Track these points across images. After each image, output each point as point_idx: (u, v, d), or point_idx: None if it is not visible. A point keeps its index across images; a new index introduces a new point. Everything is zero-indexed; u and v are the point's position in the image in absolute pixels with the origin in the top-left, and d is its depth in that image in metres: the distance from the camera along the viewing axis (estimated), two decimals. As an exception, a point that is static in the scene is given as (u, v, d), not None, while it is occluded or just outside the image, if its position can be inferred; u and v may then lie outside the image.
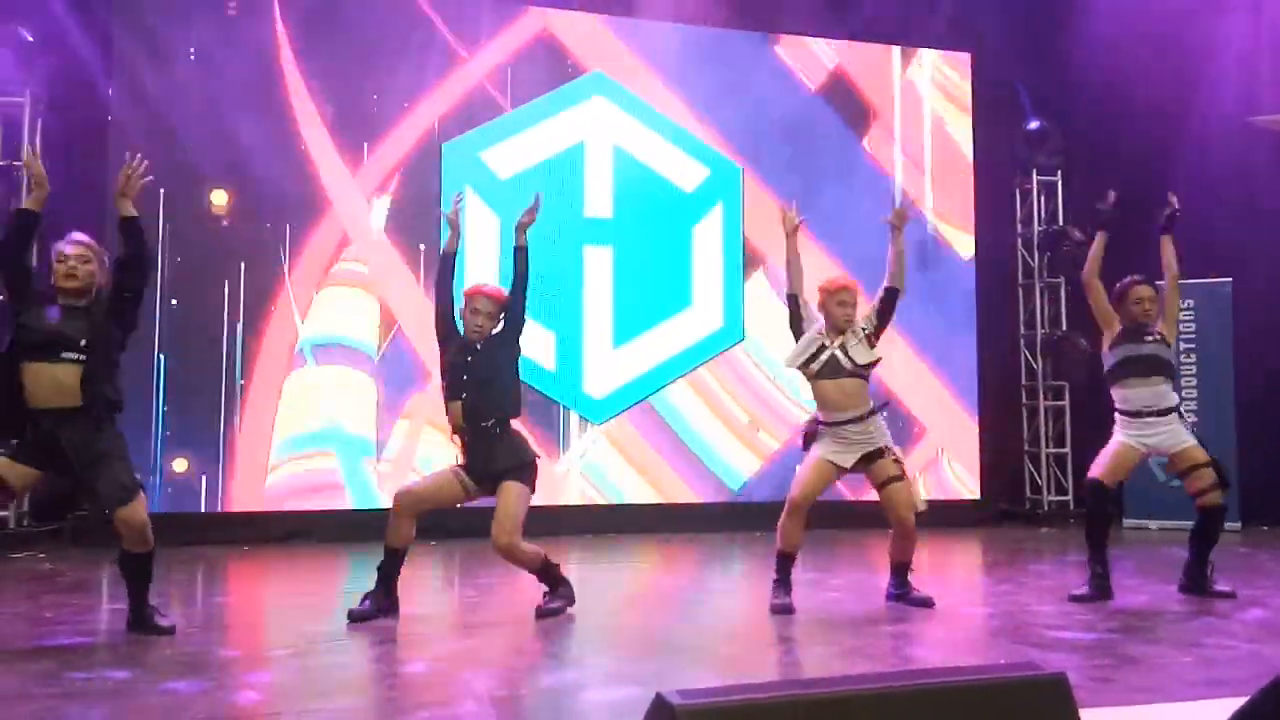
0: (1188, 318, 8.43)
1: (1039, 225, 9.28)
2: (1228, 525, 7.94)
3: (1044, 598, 4.85)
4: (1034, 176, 9.24)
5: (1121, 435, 5.06)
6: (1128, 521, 8.41)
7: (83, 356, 3.74)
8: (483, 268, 7.89)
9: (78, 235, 4.00)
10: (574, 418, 8.02)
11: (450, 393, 4.34)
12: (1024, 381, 9.30)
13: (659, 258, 8.31)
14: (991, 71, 9.05)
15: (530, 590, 4.73)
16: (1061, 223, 9.11)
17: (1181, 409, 5.18)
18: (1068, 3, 8.60)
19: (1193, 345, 8.41)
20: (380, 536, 4.46)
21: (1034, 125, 9.03)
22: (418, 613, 4.48)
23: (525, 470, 4.33)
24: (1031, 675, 1.80)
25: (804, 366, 4.62)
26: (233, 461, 7.32)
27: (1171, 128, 8.19)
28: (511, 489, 4.25)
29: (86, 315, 3.83)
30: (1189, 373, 8.40)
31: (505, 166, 8.08)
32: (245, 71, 7.49)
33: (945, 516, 8.09)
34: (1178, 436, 5.01)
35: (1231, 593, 4.90)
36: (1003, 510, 8.89)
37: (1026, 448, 9.23)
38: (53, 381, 3.71)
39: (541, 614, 4.29)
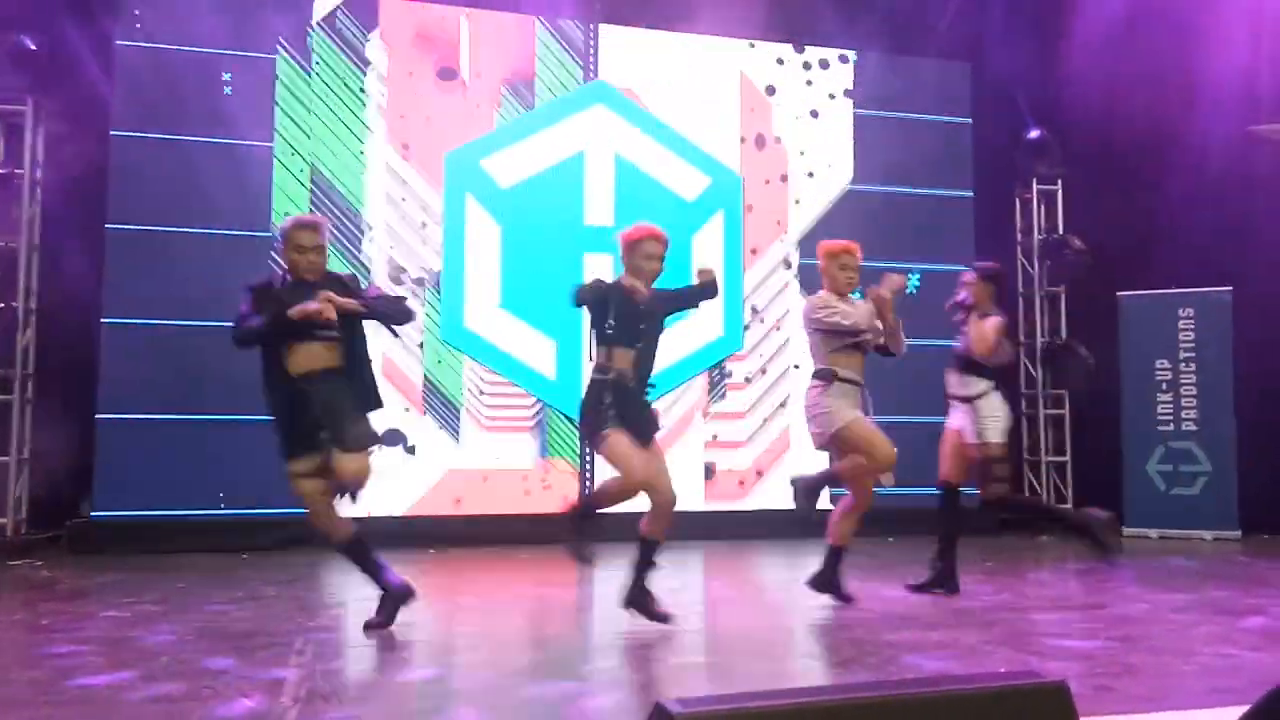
0: (1187, 327, 8.44)
1: (1039, 234, 9.29)
2: (1227, 533, 7.99)
3: (1044, 606, 4.83)
4: (1034, 186, 9.25)
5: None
6: (1128, 530, 8.39)
7: (335, 333, 4.02)
8: (484, 277, 7.91)
9: (307, 219, 4.21)
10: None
11: (621, 337, 4.21)
12: (1024, 390, 9.30)
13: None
14: (991, 81, 9.06)
15: (526, 595, 4.73)
16: (1061, 231, 9.12)
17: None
18: (1067, 13, 8.62)
19: (1192, 354, 8.40)
20: (380, 544, 4.43)
21: (1034, 135, 9.05)
22: (416, 620, 4.46)
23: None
24: (1032, 683, 1.79)
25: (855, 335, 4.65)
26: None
27: (1171, 137, 8.20)
28: (661, 451, 4.31)
29: (331, 291, 4.01)
30: (1189, 382, 8.40)
31: (506, 175, 8.10)
32: (249, 81, 7.53)
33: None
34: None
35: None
36: (1003, 519, 8.87)
37: (1026, 456, 9.22)
38: (313, 356, 4.02)
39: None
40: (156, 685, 3.29)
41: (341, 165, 7.75)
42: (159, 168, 7.27)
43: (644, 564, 4.23)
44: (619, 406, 4.14)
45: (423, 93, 7.95)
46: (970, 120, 9.07)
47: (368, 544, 4.30)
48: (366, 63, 7.86)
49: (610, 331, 4.17)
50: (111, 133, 7.26)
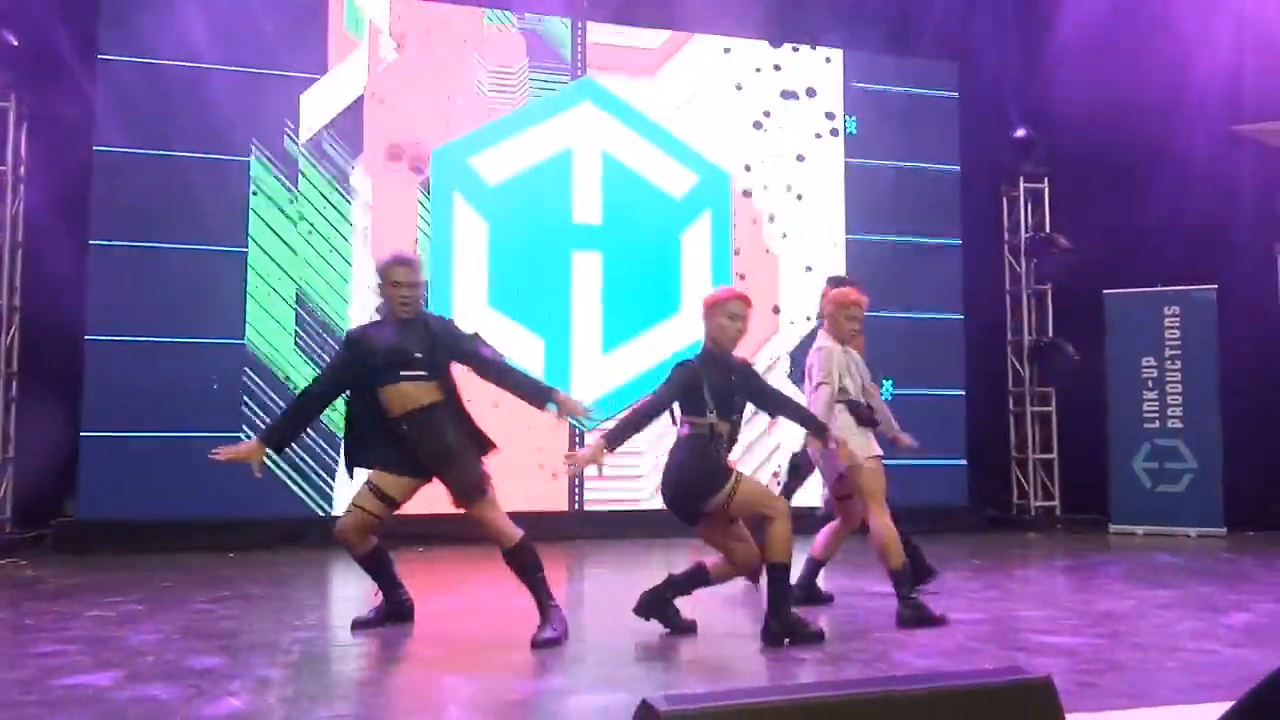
0: (1173, 325, 8.49)
1: (1025, 232, 9.32)
2: (1212, 530, 8.04)
3: (1030, 603, 4.86)
4: (1020, 184, 9.29)
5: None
6: (1114, 527, 8.44)
7: (426, 373, 4.06)
8: (471, 275, 7.91)
9: (405, 255, 4.22)
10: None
11: (720, 412, 4.02)
12: (1011, 388, 9.34)
13: (648, 264, 8.32)
14: (979, 80, 9.10)
15: (514, 594, 4.72)
16: (1048, 229, 9.16)
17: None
18: (1054, 12, 8.66)
19: (1178, 353, 8.46)
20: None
21: (1021, 133, 9.08)
22: (401, 620, 4.45)
23: None
24: (1017, 679, 1.79)
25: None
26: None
27: (1156, 135, 8.25)
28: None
29: (421, 329, 4.11)
30: (1174, 380, 8.45)
31: (494, 172, 8.08)
32: (231, 76, 7.49)
33: (933, 522, 8.11)
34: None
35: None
36: (990, 516, 8.91)
37: (1014, 454, 9.26)
38: (404, 395, 4.05)
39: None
40: (142, 685, 3.27)
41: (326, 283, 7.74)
42: (142, 179, 7.24)
43: (786, 590, 4.02)
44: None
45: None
46: (957, 121, 9.10)
47: (387, 555, 4.36)
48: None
49: (711, 414, 4.01)
50: (95, 148, 7.22)
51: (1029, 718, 1.74)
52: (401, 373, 4.04)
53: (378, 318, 4.46)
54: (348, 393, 4.23)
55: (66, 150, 7.24)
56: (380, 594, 4.43)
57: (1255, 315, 8.44)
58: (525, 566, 4.09)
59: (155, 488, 7.08)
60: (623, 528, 7.75)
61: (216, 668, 3.57)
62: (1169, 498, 8.33)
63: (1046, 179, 9.24)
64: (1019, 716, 1.74)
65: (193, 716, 2.91)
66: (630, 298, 8.22)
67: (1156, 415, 8.47)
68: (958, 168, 9.05)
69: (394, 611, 4.39)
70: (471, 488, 4.07)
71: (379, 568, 4.36)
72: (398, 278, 4.12)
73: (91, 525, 7.00)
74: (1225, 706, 2.09)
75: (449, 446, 4.07)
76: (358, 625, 4.29)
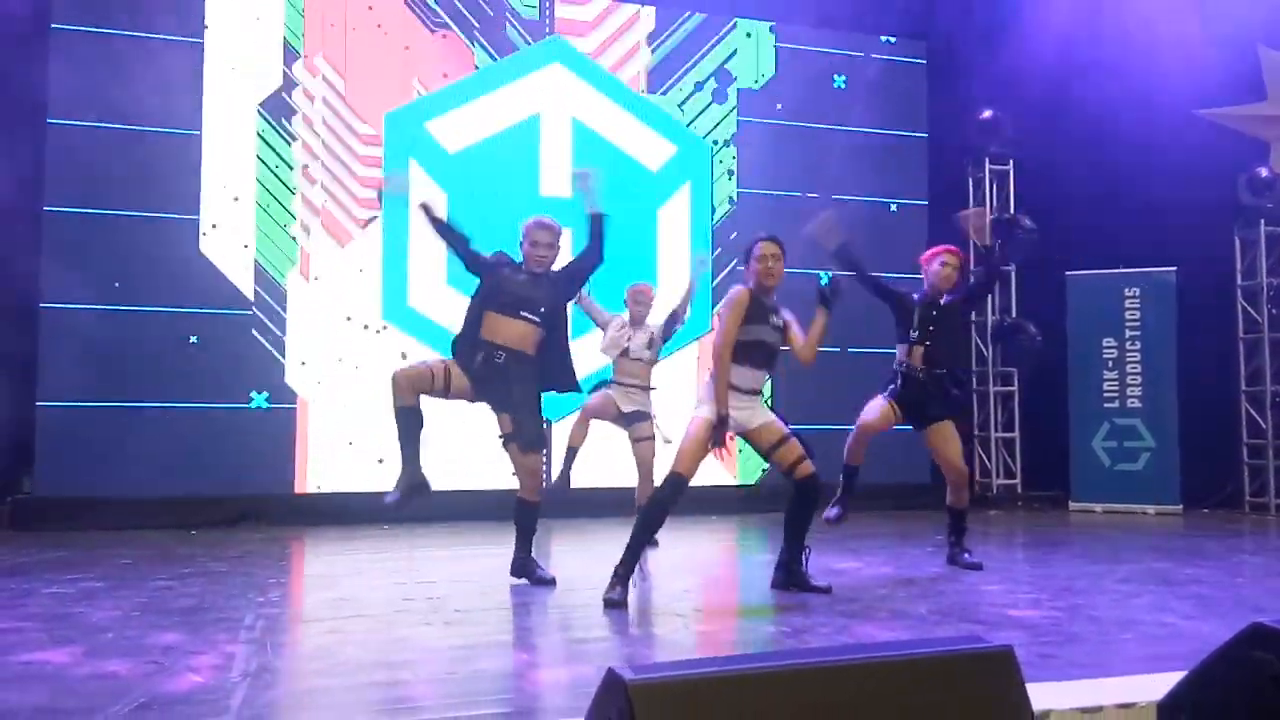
0: (1133, 306, 8.61)
1: (991, 214, 9.38)
2: (1169, 507, 8.20)
3: (990, 578, 4.92)
4: (986, 165, 9.35)
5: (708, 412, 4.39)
6: (1074, 504, 8.58)
7: (539, 321, 4.51)
8: (428, 250, 7.68)
9: (547, 221, 4.71)
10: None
11: (920, 336, 5.05)
12: (975, 367, 9.42)
13: (622, 241, 8.05)
14: (945, 60, 9.12)
15: (480, 569, 4.70)
16: (1013, 211, 9.23)
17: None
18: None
19: (1138, 334, 8.58)
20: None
21: (986, 114, 9.13)
22: (369, 595, 4.43)
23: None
24: (979, 649, 1.82)
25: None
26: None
27: (1121, 118, 8.34)
28: (950, 428, 5.15)
29: (548, 285, 4.59)
30: (1134, 360, 8.58)
31: (454, 139, 7.77)
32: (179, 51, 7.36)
33: (896, 499, 8.20)
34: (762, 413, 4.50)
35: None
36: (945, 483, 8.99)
37: (976, 432, 9.37)
38: (513, 331, 4.48)
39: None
40: (101, 661, 3.23)
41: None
42: (97, 148, 7.10)
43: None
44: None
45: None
46: (925, 100, 9.13)
47: (418, 425, 4.51)
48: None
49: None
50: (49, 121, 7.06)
51: (991, 686, 1.77)
52: (522, 311, 4.48)
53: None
54: (473, 293, 4.64)
55: (20, 120, 7.07)
56: (403, 467, 4.52)
57: (1214, 297, 8.59)
58: (530, 526, 4.67)
59: (115, 464, 6.98)
60: (593, 507, 7.74)
61: (177, 644, 3.53)
62: (1128, 475, 8.47)
63: (1011, 161, 9.30)
64: (982, 685, 1.76)
65: (153, 692, 2.88)
66: (602, 277, 8.03)
67: (1116, 395, 8.61)
68: (925, 141, 9.09)
69: (414, 484, 4.52)
70: (539, 438, 4.56)
71: (411, 426, 4.48)
72: (537, 238, 4.63)
73: (49, 502, 6.89)
74: (1179, 676, 2.13)
75: (534, 395, 4.52)
76: (390, 505, 4.50)
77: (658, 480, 4.55)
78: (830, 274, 4.55)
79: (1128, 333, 8.61)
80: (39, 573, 5.03)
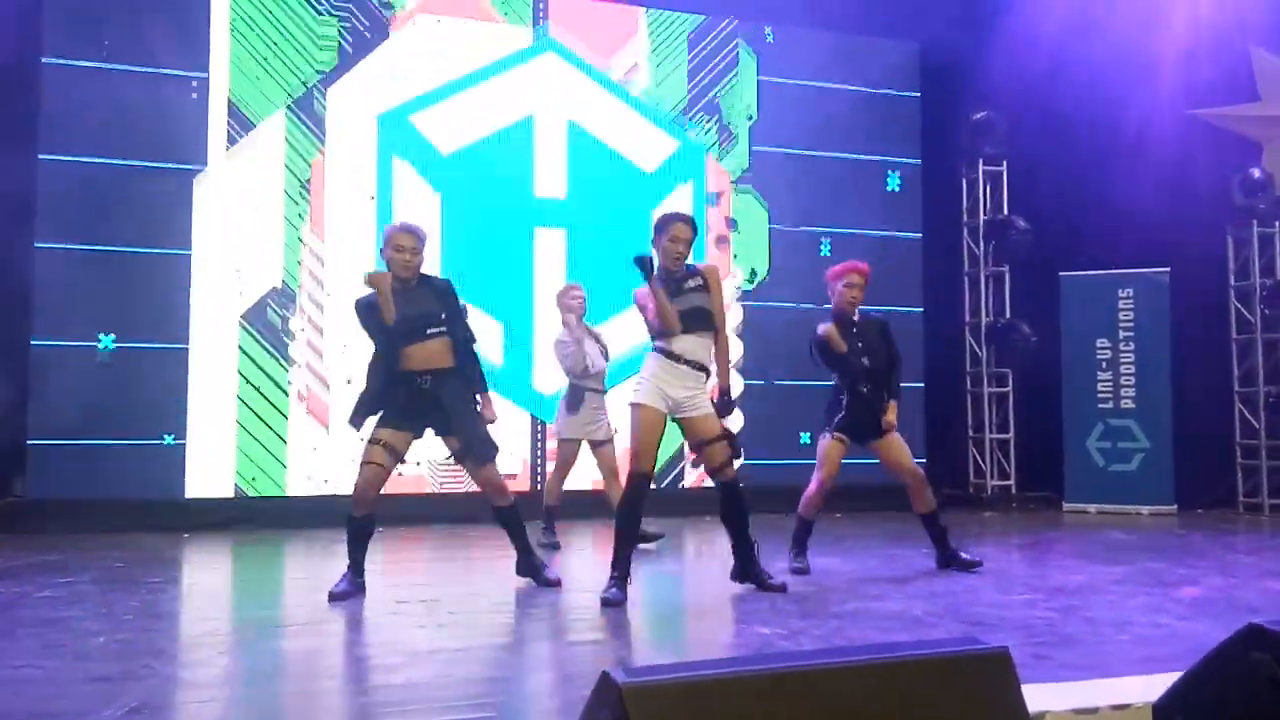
0: (1126, 307, 8.62)
1: (984, 214, 9.40)
2: (1163, 508, 8.21)
3: (986, 580, 4.92)
4: (980, 166, 9.36)
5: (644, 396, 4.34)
6: (1067, 505, 8.59)
7: (443, 329, 4.38)
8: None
9: (410, 225, 4.49)
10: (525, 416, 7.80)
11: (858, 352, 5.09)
12: (969, 368, 9.43)
13: (617, 243, 7.79)
14: (938, 61, 9.13)
15: (472, 572, 4.68)
16: (1007, 212, 9.24)
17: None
18: (1013, -6, 8.72)
19: (1131, 334, 8.59)
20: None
21: (980, 115, 9.14)
22: (364, 599, 4.41)
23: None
24: (975, 650, 1.81)
25: None
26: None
27: (1114, 118, 8.35)
28: (897, 437, 5.13)
29: (433, 293, 4.41)
30: (1127, 360, 8.59)
31: (446, 139, 7.70)
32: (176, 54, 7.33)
33: (891, 500, 8.19)
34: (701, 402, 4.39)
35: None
36: (947, 495, 9.01)
37: (971, 433, 9.37)
38: (426, 352, 4.34)
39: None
40: (93, 665, 3.21)
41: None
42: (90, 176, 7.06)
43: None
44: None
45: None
46: (919, 97, 9.13)
47: (371, 531, 4.50)
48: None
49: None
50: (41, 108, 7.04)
51: (987, 687, 1.76)
52: (428, 330, 4.35)
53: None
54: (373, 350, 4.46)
55: (11, 122, 7.03)
56: (349, 568, 4.45)
57: (1207, 298, 8.61)
58: (517, 522, 4.58)
59: (106, 468, 6.94)
60: (586, 509, 7.73)
61: (169, 647, 3.52)
62: (1121, 476, 8.48)
63: (1004, 161, 9.31)
64: (977, 686, 1.75)
65: (144, 696, 2.86)
66: (598, 279, 8.02)
67: (1110, 395, 8.61)
68: (918, 148, 9.11)
69: (358, 586, 4.44)
70: (490, 446, 4.43)
71: (362, 535, 4.45)
72: (400, 243, 4.38)
73: (42, 505, 6.85)
74: (1174, 677, 2.13)
75: (468, 406, 4.42)
76: (334, 598, 4.31)
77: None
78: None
79: (1121, 333, 8.62)
80: (30, 576, 5.01)
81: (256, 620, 4.02)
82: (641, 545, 5.74)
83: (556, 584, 4.61)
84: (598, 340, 6.18)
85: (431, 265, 7.68)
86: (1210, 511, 8.29)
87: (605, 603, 4.15)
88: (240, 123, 7.42)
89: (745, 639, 3.73)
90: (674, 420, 4.35)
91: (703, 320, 4.38)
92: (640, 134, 8.22)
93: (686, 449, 4.58)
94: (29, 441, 6.88)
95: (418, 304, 4.37)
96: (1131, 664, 3.18)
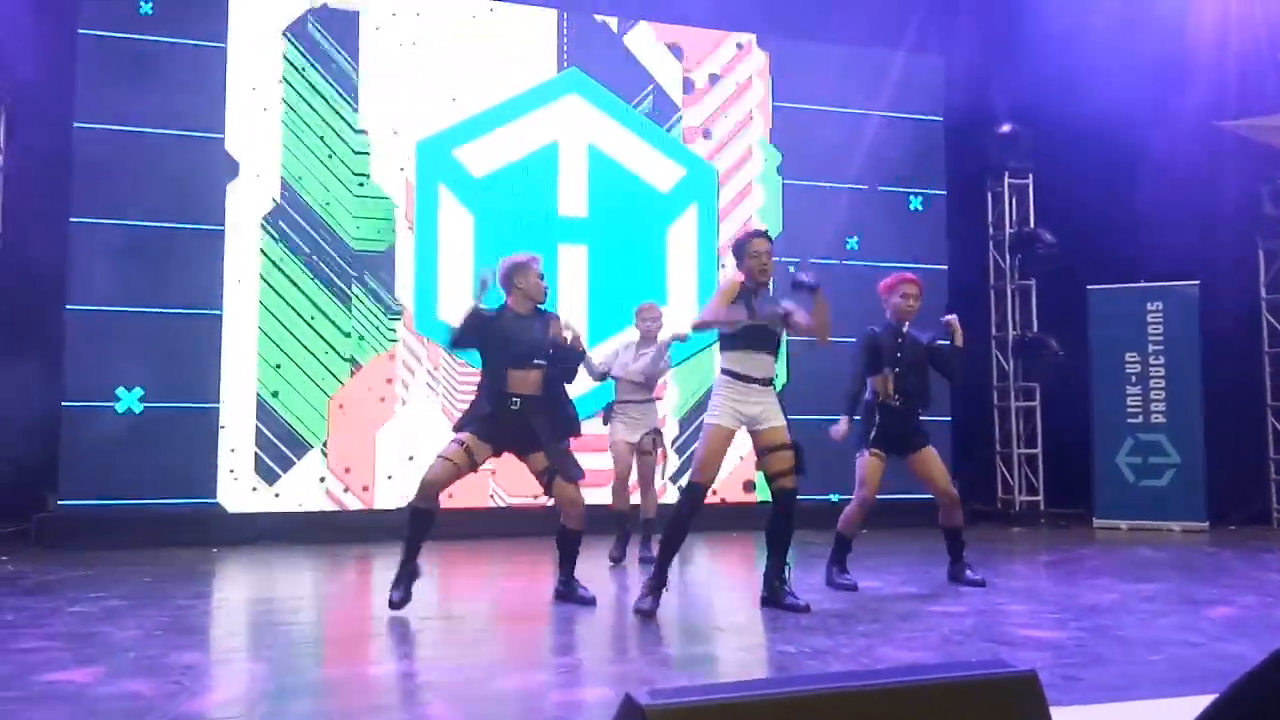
0: (1155, 321, 8.53)
1: (1010, 227, 9.35)
2: (1195, 524, 8.10)
3: (1015, 597, 4.87)
4: (1005, 179, 9.31)
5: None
6: (1098, 521, 8.49)
7: (544, 362, 4.57)
8: (457, 268, 7.87)
9: (525, 258, 4.68)
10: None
11: (890, 364, 5.15)
12: (996, 383, 9.37)
13: (634, 258, 8.30)
14: (963, 75, 9.11)
15: (497, 587, 4.69)
16: (1033, 225, 9.19)
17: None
18: (1039, 7, 8.68)
19: (1160, 348, 8.50)
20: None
21: (1005, 129, 9.10)
22: (384, 614, 4.44)
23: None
24: (1002, 673, 1.79)
25: None
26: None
27: (1141, 131, 8.28)
28: (933, 452, 5.20)
29: (540, 325, 4.61)
30: (1157, 375, 8.50)
31: (479, 164, 8.05)
32: (207, 80, 7.47)
33: (918, 518, 8.14)
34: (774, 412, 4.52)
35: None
36: (975, 510, 8.94)
37: (998, 448, 9.30)
38: (527, 380, 4.54)
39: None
40: (124, 681, 3.25)
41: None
42: (124, 158, 7.21)
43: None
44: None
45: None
46: (942, 117, 9.12)
47: (431, 524, 4.54)
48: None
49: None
50: (75, 124, 7.17)
51: (1014, 711, 1.74)
52: (534, 360, 4.55)
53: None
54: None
55: (46, 128, 7.17)
56: (402, 563, 4.51)
57: (1238, 311, 8.50)
58: (575, 550, 4.70)
59: (138, 481, 7.04)
60: (606, 524, 7.73)
61: (198, 663, 3.55)
62: (1152, 492, 8.38)
63: (1030, 175, 9.26)
64: (1004, 710, 1.74)
65: (175, 712, 2.89)
66: (616, 291, 8.19)
67: (1140, 410, 8.52)
68: (942, 157, 9.08)
69: (415, 577, 4.52)
70: (576, 466, 4.57)
71: (423, 526, 4.51)
72: (539, 269, 4.65)
73: (74, 519, 6.95)
74: (1208, 700, 2.10)
75: (555, 429, 4.56)
76: (394, 605, 4.40)
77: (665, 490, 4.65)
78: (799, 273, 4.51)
79: (1150, 347, 8.53)
80: (63, 590, 5.07)
81: (286, 635, 4.04)
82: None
83: (591, 602, 4.63)
84: (658, 351, 6.22)
85: (464, 281, 7.86)
86: (1243, 528, 8.16)
87: (638, 613, 4.19)
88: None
89: (771, 657, 3.71)
90: (749, 431, 4.51)
91: (776, 341, 4.53)
92: (655, 157, 8.49)
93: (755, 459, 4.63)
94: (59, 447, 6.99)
95: (533, 333, 4.58)
96: (1164, 686, 3.14)
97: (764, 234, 4.62)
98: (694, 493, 4.43)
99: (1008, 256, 9.35)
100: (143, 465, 7.07)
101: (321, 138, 7.69)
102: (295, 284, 7.56)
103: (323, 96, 7.72)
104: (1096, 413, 8.63)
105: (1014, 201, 9.37)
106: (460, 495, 7.66)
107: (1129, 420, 8.53)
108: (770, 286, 4.64)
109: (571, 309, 8.08)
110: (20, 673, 3.34)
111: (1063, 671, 3.30)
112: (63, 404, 7.00)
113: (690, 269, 8.43)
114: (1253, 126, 8.42)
